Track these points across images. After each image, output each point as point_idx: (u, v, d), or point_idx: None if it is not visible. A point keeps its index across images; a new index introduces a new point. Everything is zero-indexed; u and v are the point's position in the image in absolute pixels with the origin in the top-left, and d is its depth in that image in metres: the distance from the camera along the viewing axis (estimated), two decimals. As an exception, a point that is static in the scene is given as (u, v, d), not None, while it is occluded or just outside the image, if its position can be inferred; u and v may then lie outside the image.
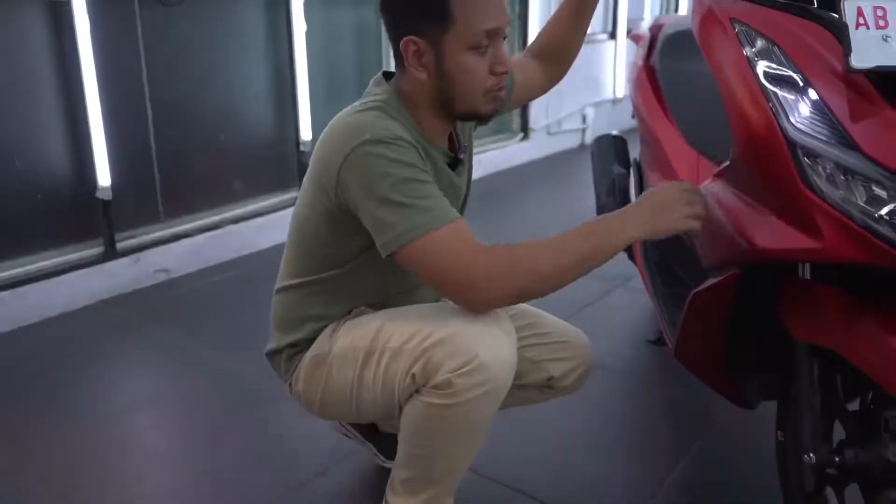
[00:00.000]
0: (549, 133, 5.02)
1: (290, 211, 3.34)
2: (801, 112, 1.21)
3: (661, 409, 2.11)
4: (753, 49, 1.29)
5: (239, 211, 3.29)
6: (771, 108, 1.23)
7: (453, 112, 1.34)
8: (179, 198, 3.10)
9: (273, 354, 1.49)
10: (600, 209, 2.60)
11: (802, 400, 1.38)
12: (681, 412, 2.08)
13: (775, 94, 1.24)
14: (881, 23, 1.15)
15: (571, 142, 5.27)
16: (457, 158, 1.41)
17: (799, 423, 1.39)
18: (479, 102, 1.31)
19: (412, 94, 1.33)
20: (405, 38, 1.26)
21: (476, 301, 1.25)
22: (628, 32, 5.47)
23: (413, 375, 1.27)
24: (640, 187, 2.27)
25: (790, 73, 1.24)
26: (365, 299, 1.43)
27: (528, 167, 4.75)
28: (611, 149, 2.61)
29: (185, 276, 3.03)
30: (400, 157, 1.22)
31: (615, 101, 5.58)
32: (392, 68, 1.40)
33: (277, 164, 3.48)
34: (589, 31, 5.55)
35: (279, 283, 1.49)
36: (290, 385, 1.48)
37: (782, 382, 1.53)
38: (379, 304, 1.43)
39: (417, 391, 1.29)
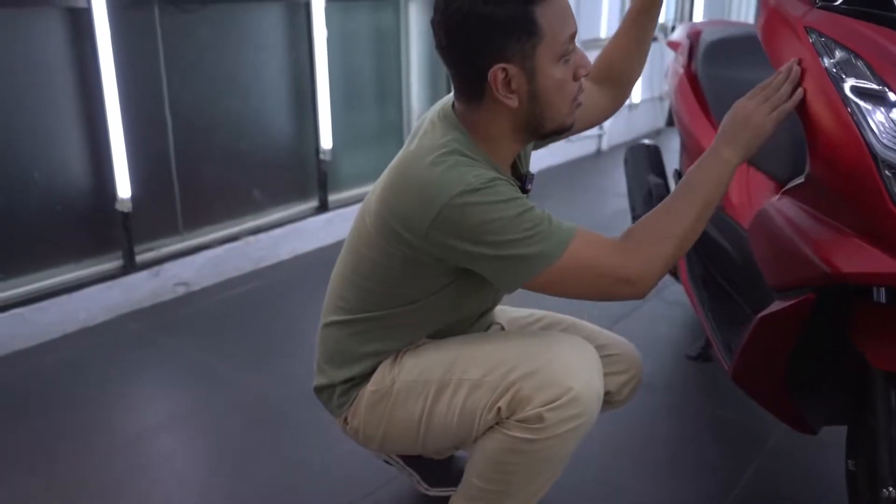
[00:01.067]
0: (566, 139, 4.96)
1: (310, 220, 3.35)
2: (888, 127, 1.14)
3: (709, 428, 2.03)
4: (832, 60, 1.22)
5: (259, 221, 3.22)
6: (855, 124, 1.16)
7: (540, 132, 1.27)
8: (199, 209, 3.03)
9: (324, 389, 1.42)
10: (635, 219, 2.52)
11: (879, 430, 1.30)
12: (730, 431, 2.01)
13: (859, 108, 1.16)
14: (980, 33, 1.07)
15: (588, 148, 5.20)
16: (524, 189, 1.34)
17: (874, 453, 1.32)
18: (567, 114, 1.26)
19: (490, 125, 1.25)
20: (493, 69, 1.17)
21: (636, 294, 1.24)
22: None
23: (499, 409, 1.22)
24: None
25: (875, 85, 1.16)
26: (428, 331, 1.37)
27: (547, 173, 4.67)
28: (645, 158, 2.53)
29: (204, 288, 2.96)
30: (501, 196, 1.16)
31: (631, 107, 5.51)
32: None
33: (297, 172, 3.41)
34: (604, 37, 5.40)
35: (330, 317, 1.41)
36: (346, 420, 1.40)
37: (853, 408, 1.45)
38: (438, 334, 1.36)
39: (499, 423, 1.24)
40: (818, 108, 1.22)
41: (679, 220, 1.23)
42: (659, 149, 2.57)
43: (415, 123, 4.04)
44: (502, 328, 1.51)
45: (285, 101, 3.30)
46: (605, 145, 5.27)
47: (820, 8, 1.28)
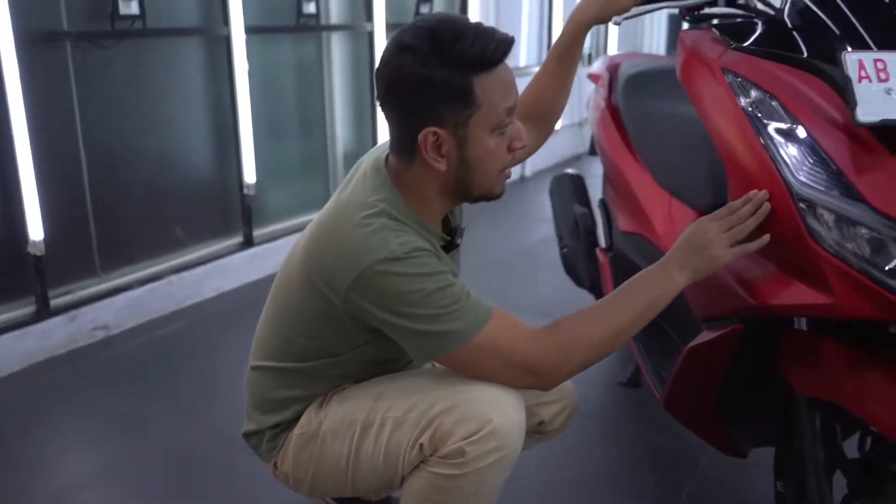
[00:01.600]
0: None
1: (235, 257, 3.28)
2: (804, 165, 1.19)
3: (642, 454, 2.07)
4: (748, 100, 1.27)
5: (181, 259, 3.13)
6: (773, 162, 1.21)
7: (468, 197, 1.27)
8: (117, 248, 2.92)
9: (252, 435, 1.39)
10: (563, 249, 2.56)
11: (806, 453, 1.35)
12: (663, 456, 2.05)
13: (776, 146, 1.21)
14: (882, 76, 1.14)
15: (512, 174, 5.27)
16: (453, 243, 1.34)
17: (801, 474, 1.37)
18: (495, 183, 1.26)
19: (419, 184, 1.24)
20: (425, 130, 1.17)
21: (544, 386, 1.24)
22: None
23: (421, 445, 1.21)
24: (609, 227, 2.24)
25: (790, 124, 1.22)
26: (354, 379, 1.35)
27: (472, 201, 4.72)
28: (570, 188, 2.58)
29: (125, 332, 2.84)
30: (422, 269, 1.16)
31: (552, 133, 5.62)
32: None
33: (220, 208, 3.33)
34: (523, 65, 5.55)
35: (256, 361, 1.38)
36: (276, 465, 1.37)
37: (780, 432, 1.50)
38: (366, 379, 1.35)
39: (423, 461, 1.22)
40: (736, 145, 1.27)
41: (606, 326, 1.22)
42: (583, 178, 2.63)
43: (339, 156, 4.02)
44: (433, 364, 1.51)
45: (207, 135, 3.23)
46: (528, 171, 5.35)
47: (734, 49, 1.34)
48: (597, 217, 2.36)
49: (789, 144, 1.21)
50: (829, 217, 1.16)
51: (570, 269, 2.52)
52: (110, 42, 2.75)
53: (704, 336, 1.43)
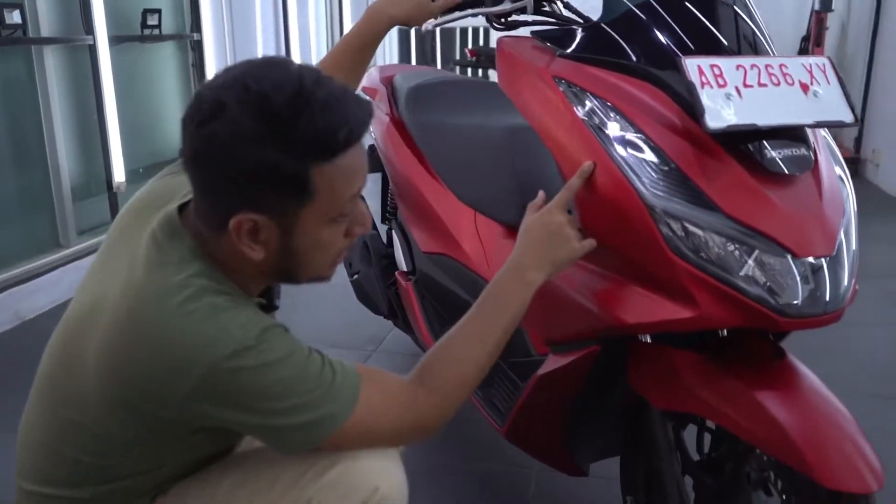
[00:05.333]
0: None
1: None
2: (653, 174, 1.14)
3: (474, 483, 1.95)
4: (585, 109, 1.20)
5: None
6: (622, 173, 1.15)
7: (292, 282, 1.06)
8: None
9: None
10: (353, 276, 2.38)
11: (663, 467, 1.32)
12: (495, 484, 1.95)
13: (624, 157, 1.15)
14: (720, 81, 1.12)
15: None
16: (272, 305, 1.14)
17: (660, 486, 1.33)
18: (325, 269, 1.05)
19: (229, 260, 1.00)
20: (239, 216, 0.93)
21: (432, 436, 1.12)
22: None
23: None
24: (409, 248, 2.10)
25: (633, 133, 1.16)
26: (171, 478, 1.09)
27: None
28: (352, 208, 2.41)
29: None
30: (277, 353, 0.95)
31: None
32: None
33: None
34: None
35: (28, 483, 1.06)
36: None
37: (625, 446, 1.47)
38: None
39: None
40: (580, 158, 1.19)
41: (478, 355, 1.12)
42: (363, 197, 2.47)
43: (67, 188, 3.42)
44: None
45: None
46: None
47: (561, 57, 1.27)
48: (393, 238, 2.22)
49: (636, 154, 1.16)
50: (684, 227, 1.12)
51: (364, 297, 2.35)
52: None
53: (555, 362, 1.35)
